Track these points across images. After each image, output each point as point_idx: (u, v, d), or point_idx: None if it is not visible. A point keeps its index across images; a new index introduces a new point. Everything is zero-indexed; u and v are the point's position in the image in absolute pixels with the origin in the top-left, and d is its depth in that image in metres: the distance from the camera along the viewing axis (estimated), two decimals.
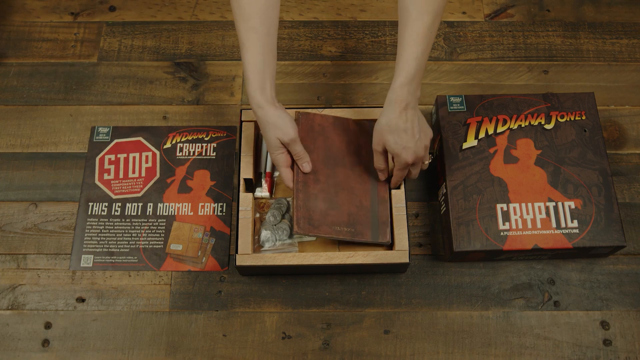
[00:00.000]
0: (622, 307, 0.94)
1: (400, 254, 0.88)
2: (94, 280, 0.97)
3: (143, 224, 1.00)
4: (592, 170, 0.94)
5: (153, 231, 0.99)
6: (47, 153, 1.06)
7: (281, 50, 1.14)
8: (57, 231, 1.00)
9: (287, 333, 0.93)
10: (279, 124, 0.84)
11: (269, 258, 0.89)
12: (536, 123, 0.97)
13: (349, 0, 1.19)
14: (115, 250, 0.98)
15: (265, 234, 0.95)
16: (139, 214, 1.00)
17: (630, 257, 0.97)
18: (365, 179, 0.93)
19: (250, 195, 0.93)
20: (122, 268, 0.97)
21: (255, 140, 0.98)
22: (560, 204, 0.92)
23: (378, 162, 0.89)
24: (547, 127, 0.97)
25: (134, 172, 1.04)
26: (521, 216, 0.91)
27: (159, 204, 1.01)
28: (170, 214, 1.00)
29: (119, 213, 1.00)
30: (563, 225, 0.90)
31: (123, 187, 1.02)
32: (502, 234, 0.90)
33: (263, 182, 0.98)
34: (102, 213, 1.00)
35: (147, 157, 1.05)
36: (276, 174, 0.99)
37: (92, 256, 0.98)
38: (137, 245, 0.98)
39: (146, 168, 1.04)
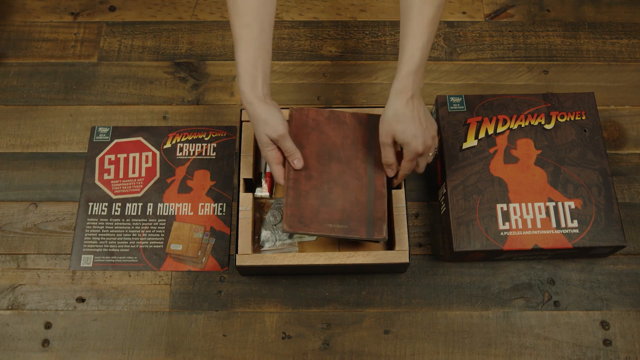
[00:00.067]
0: (622, 307, 0.94)
1: (400, 254, 0.88)
2: (94, 280, 0.97)
3: (143, 224, 1.00)
4: (592, 170, 0.94)
5: (153, 231, 0.99)
6: (47, 153, 1.06)
7: (281, 50, 1.14)
8: (57, 231, 1.00)
9: (287, 333, 0.93)
10: (268, 120, 0.82)
11: (269, 258, 0.89)
12: (536, 123, 0.97)
13: (349, 0, 1.19)
14: (115, 250, 0.98)
15: (265, 234, 0.95)
16: (139, 214, 1.00)
17: (630, 257, 0.97)
18: (361, 173, 0.91)
19: (250, 195, 0.93)
20: (122, 268, 0.97)
21: (255, 140, 0.98)
22: (560, 204, 0.92)
23: (387, 155, 0.87)
24: (547, 127, 0.97)
25: (134, 172, 1.04)
26: (521, 216, 0.91)
27: (159, 204, 1.01)
28: (170, 214, 1.00)
29: (119, 213, 1.00)
30: (563, 225, 0.90)
31: (123, 187, 1.02)
32: (502, 234, 0.90)
33: (263, 182, 0.98)
34: (102, 213, 1.00)
35: (147, 157, 1.05)
36: None
37: (92, 256, 0.98)
38: (137, 245, 0.98)
39: (146, 168, 1.04)
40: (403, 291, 0.96)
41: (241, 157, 0.95)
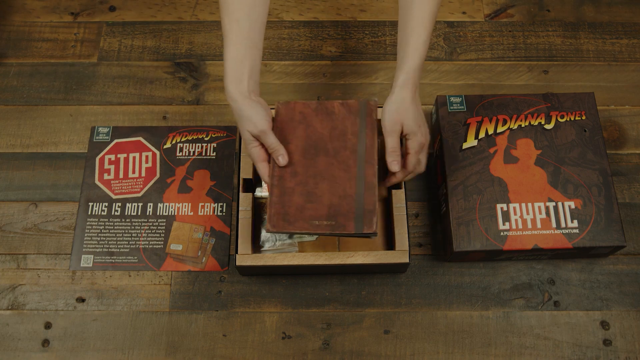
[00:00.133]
0: (622, 307, 0.94)
1: (400, 254, 0.88)
2: (94, 280, 0.97)
3: (143, 224, 1.00)
4: (592, 170, 0.94)
5: (153, 231, 0.99)
6: (47, 153, 1.06)
7: (281, 50, 1.14)
8: (57, 231, 1.00)
9: (287, 333, 0.93)
10: (251, 117, 0.80)
11: (269, 258, 0.89)
12: (536, 123, 0.97)
13: (349, 0, 1.19)
14: (115, 250, 0.98)
15: (265, 234, 0.95)
16: (139, 214, 1.00)
17: (630, 257, 0.97)
18: (350, 164, 0.85)
19: (250, 195, 0.93)
20: (122, 268, 0.97)
21: None
22: (560, 204, 0.92)
23: (393, 142, 0.83)
24: (547, 127, 0.97)
25: (134, 172, 1.04)
26: (521, 216, 0.91)
27: (159, 204, 1.01)
28: (170, 214, 1.00)
29: (119, 213, 1.00)
30: (563, 225, 0.90)
31: (123, 187, 1.02)
32: (502, 234, 0.90)
33: (263, 182, 0.98)
34: (102, 213, 1.00)
35: (147, 157, 1.05)
36: None
37: (92, 256, 0.98)
38: (137, 245, 0.98)
39: (146, 168, 1.04)
40: (403, 291, 0.96)
41: (241, 157, 0.95)
